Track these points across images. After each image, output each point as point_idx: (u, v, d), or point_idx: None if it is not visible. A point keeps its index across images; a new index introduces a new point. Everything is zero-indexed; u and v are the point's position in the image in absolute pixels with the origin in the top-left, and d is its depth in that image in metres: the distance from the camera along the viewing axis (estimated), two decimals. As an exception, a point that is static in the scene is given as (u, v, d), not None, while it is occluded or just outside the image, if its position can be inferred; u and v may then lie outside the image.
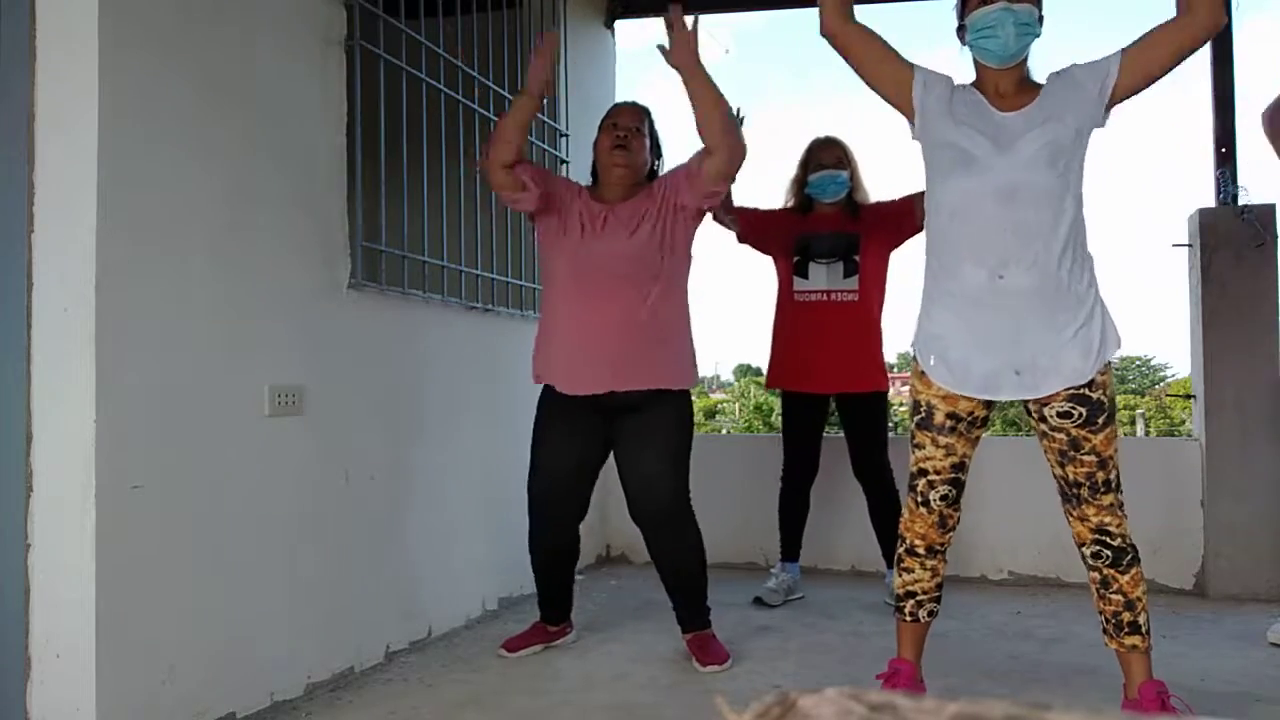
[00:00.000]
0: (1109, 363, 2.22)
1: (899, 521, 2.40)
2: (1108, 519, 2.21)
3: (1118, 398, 2.33)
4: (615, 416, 2.77)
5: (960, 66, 2.34)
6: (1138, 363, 35.39)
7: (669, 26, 2.58)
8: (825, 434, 3.60)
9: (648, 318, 2.70)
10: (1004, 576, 3.90)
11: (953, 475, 2.30)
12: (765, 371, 3.65)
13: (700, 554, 2.84)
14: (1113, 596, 2.23)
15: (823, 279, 3.43)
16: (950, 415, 2.27)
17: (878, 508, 3.45)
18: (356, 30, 2.73)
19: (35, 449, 1.96)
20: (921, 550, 2.34)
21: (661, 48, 2.60)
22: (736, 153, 2.67)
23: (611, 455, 2.85)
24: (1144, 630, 2.24)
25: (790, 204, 3.56)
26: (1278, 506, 3.57)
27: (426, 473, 3.04)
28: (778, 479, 3.61)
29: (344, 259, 2.68)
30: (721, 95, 2.62)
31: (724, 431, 18.77)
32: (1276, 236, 3.59)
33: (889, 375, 3.60)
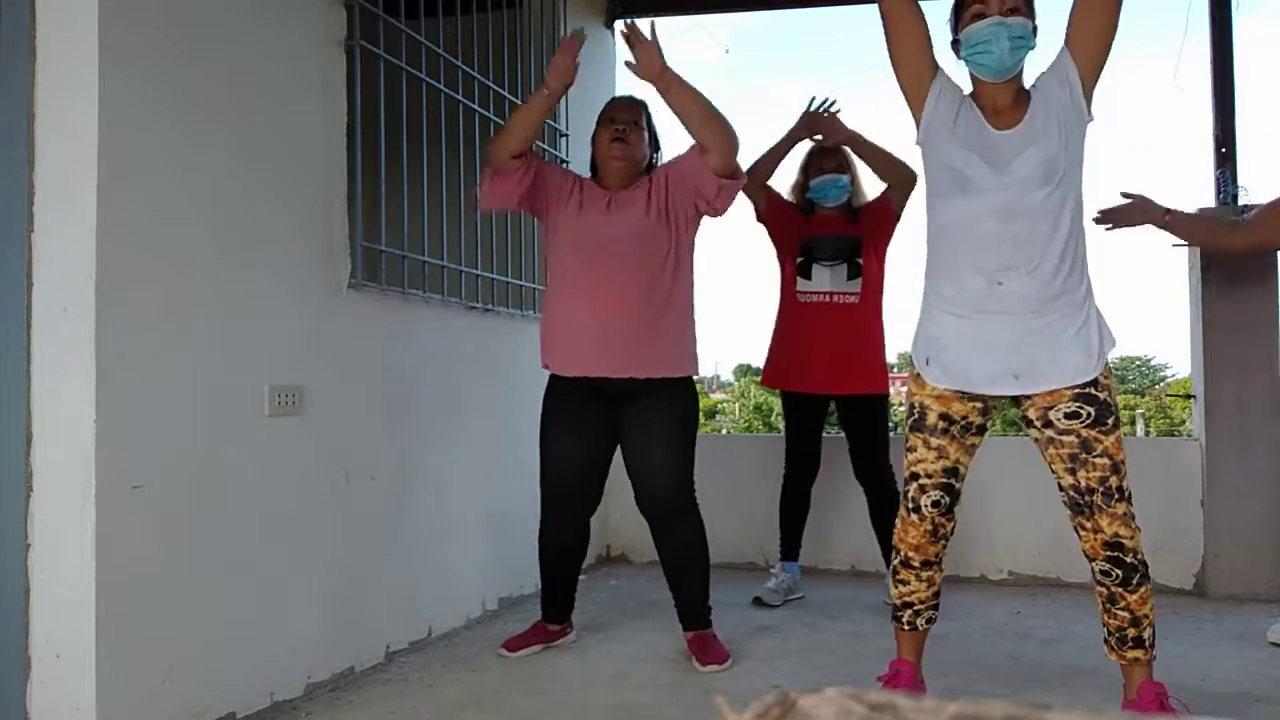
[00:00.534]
0: (1109, 365, 2.22)
1: (894, 531, 2.39)
2: (1122, 530, 2.14)
3: (1118, 398, 2.32)
4: (618, 406, 2.78)
5: (956, 78, 2.34)
6: (1138, 363, 35.40)
7: (629, 42, 2.59)
8: (825, 434, 3.60)
9: (648, 300, 2.72)
10: (1004, 576, 3.90)
11: (945, 481, 2.27)
12: (763, 369, 3.65)
13: (703, 548, 2.85)
14: (1119, 613, 2.20)
15: (826, 281, 3.43)
16: (943, 416, 2.26)
17: (878, 509, 3.45)
18: (356, 30, 2.73)
19: (35, 449, 1.96)
20: (916, 563, 2.32)
21: (628, 63, 2.62)
22: (729, 145, 2.67)
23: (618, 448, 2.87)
24: (1147, 644, 2.21)
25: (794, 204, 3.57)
26: (1278, 506, 3.57)
27: (426, 473, 3.04)
28: (778, 479, 3.61)
29: (344, 259, 2.68)
30: (699, 93, 2.63)
31: (724, 431, 18.78)
32: (1276, 236, 3.59)
33: (890, 377, 3.60)
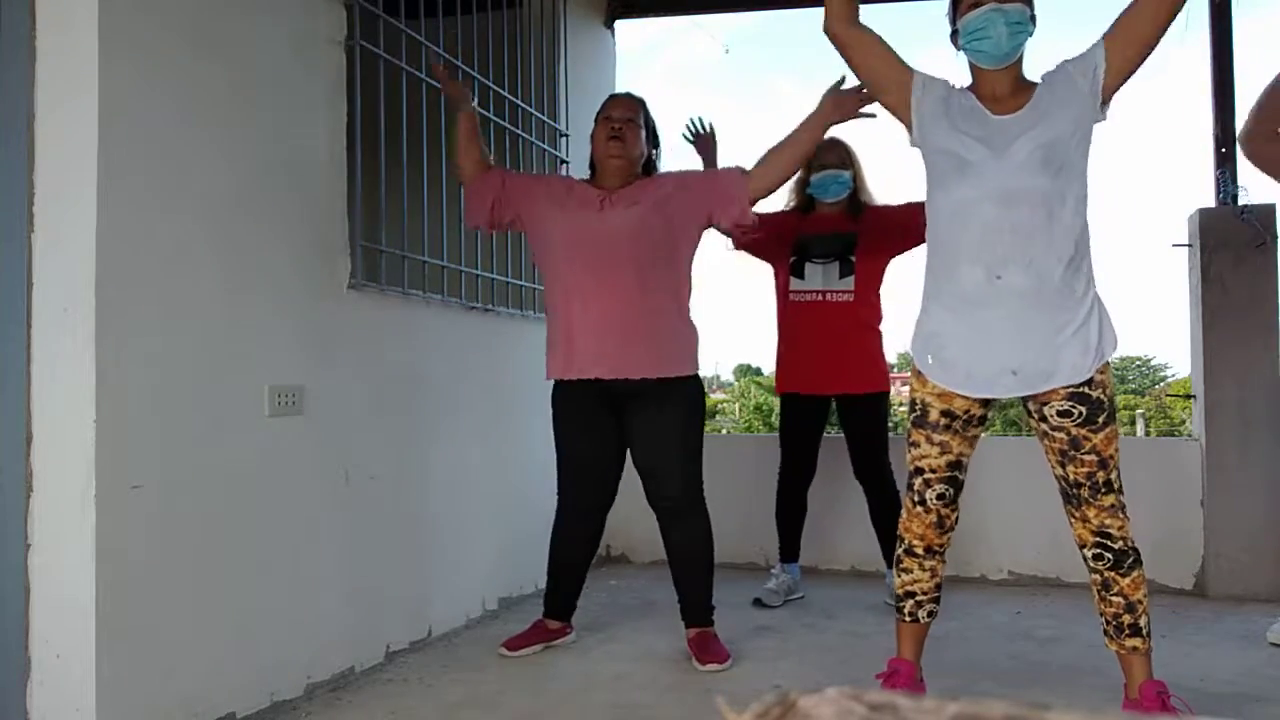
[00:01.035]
0: (1108, 362, 2.22)
1: (899, 522, 2.40)
2: (1109, 520, 2.20)
3: (1118, 398, 2.33)
4: (625, 407, 2.79)
5: (956, 71, 2.35)
6: (1138, 363, 35.40)
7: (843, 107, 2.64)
8: (825, 434, 3.60)
9: (646, 299, 2.73)
10: (1004, 576, 3.90)
11: (949, 474, 2.30)
12: (775, 376, 3.63)
13: (709, 545, 2.88)
14: (1113, 599, 2.23)
15: (818, 279, 3.42)
16: (945, 413, 2.27)
17: (878, 508, 3.44)
18: (356, 30, 2.73)
19: (35, 449, 1.96)
20: (920, 551, 2.34)
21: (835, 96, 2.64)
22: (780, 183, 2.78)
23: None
24: (1144, 632, 2.23)
25: (792, 203, 3.55)
26: (1278, 506, 3.57)
27: (426, 473, 3.04)
28: (776, 479, 3.61)
29: (344, 259, 2.68)
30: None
31: (724, 431, 18.77)
32: (1276, 237, 3.59)
33: (889, 375, 3.59)
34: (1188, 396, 4.08)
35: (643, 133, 2.86)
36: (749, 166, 2.77)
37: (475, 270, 3.42)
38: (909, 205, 3.27)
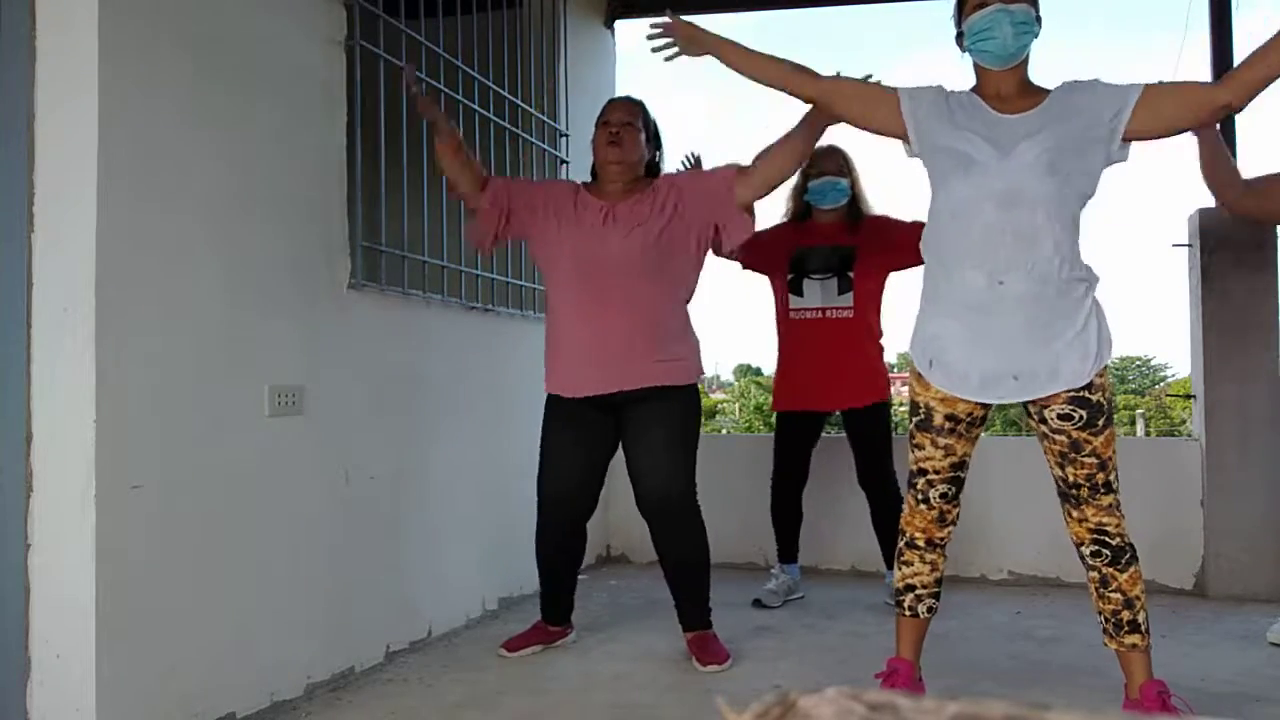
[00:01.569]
0: (1106, 365, 2.23)
1: (901, 517, 2.41)
2: (1106, 519, 2.22)
3: (1118, 398, 2.34)
4: (621, 412, 2.78)
5: (957, 72, 2.35)
6: (1138, 363, 35.42)
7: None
8: (825, 434, 3.60)
9: (649, 314, 2.72)
10: (1004, 576, 3.90)
11: (952, 474, 2.32)
12: (773, 394, 3.62)
13: (704, 550, 2.85)
14: (1111, 595, 2.24)
15: (817, 296, 3.39)
16: (949, 417, 2.28)
17: (880, 512, 3.43)
18: (356, 30, 2.73)
19: (35, 449, 1.96)
20: (921, 543, 2.36)
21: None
22: (783, 178, 2.75)
23: (619, 450, 2.87)
24: (1143, 629, 2.24)
25: (788, 212, 3.53)
26: (1278, 506, 3.57)
27: (426, 473, 3.04)
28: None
29: (344, 259, 2.68)
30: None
31: (724, 431, 18.78)
32: (1276, 237, 3.59)
33: (890, 383, 3.58)
34: (1188, 396, 4.08)
35: (642, 135, 2.85)
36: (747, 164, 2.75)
37: (475, 270, 3.42)
38: (914, 223, 3.09)
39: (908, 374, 2.41)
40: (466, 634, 3.13)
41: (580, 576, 3.08)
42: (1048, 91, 2.24)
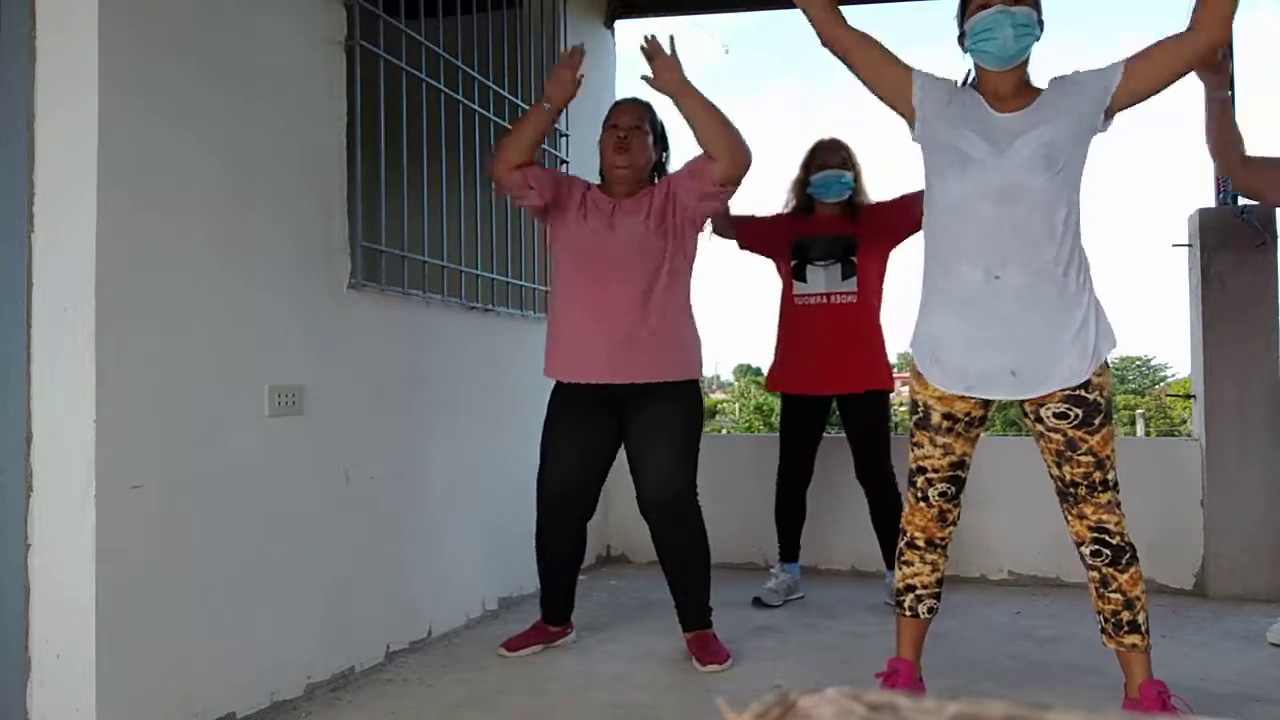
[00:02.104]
0: (1105, 363, 2.23)
1: (901, 517, 2.41)
2: (1106, 517, 2.22)
3: (1118, 398, 2.33)
4: (623, 409, 2.79)
5: (959, 72, 2.35)
6: (1138, 363, 35.40)
7: (647, 55, 2.63)
8: (825, 433, 3.60)
9: (651, 308, 2.74)
10: (1004, 576, 3.90)
11: (951, 473, 2.32)
12: (767, 375, 3.64)
13: (704, 549, 2.86)
14: (1112, 595, 2.24)
15: (821, 282, 3.42)
16: (947, 416, 2.28)
17: (879, 510, 3.44)
18: (356, 30, 2.73)
19: (35, 449, 1.96)
20: (921, 543, 2.36)
21: (645, 77, 2.65)
22: (740, 160, 2.68)
23: (620, 449, 2.88)
24: (1143, 629, 2.24)
25: (791, 205, 3.55)
26: (1278, 506, 3.57)
27: (426, 473, 3.04)
28: (776, 481, 3.61)
29: (344, 259, 2.68)
30: (714, 106, 2.66)
31: (724, 431, 18.77)
32: (1276, 237, 3.59)
33: (893, 374, 3.59)
34: (1188, 396, 4.08)
35: (650, 138, 2.87)
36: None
37: (475, 270, 3.42)
38: (901, 197, 3.35)
39: (908, 373, 2.41)
40: (466, 634, 3.13)
41: (580, 576, 3.08)
42: (1041, 90, 2.26)
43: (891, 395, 3.68)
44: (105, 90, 1.95)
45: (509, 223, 3.72)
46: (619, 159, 2.81)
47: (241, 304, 2.30)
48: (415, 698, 2.51)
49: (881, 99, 2.35)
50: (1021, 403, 2.26)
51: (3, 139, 1.96)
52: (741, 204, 3.48)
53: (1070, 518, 2.27)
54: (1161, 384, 32.95)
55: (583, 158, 3.72)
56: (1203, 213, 3.69)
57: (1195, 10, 2.11)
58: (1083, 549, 2.26)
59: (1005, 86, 2.25)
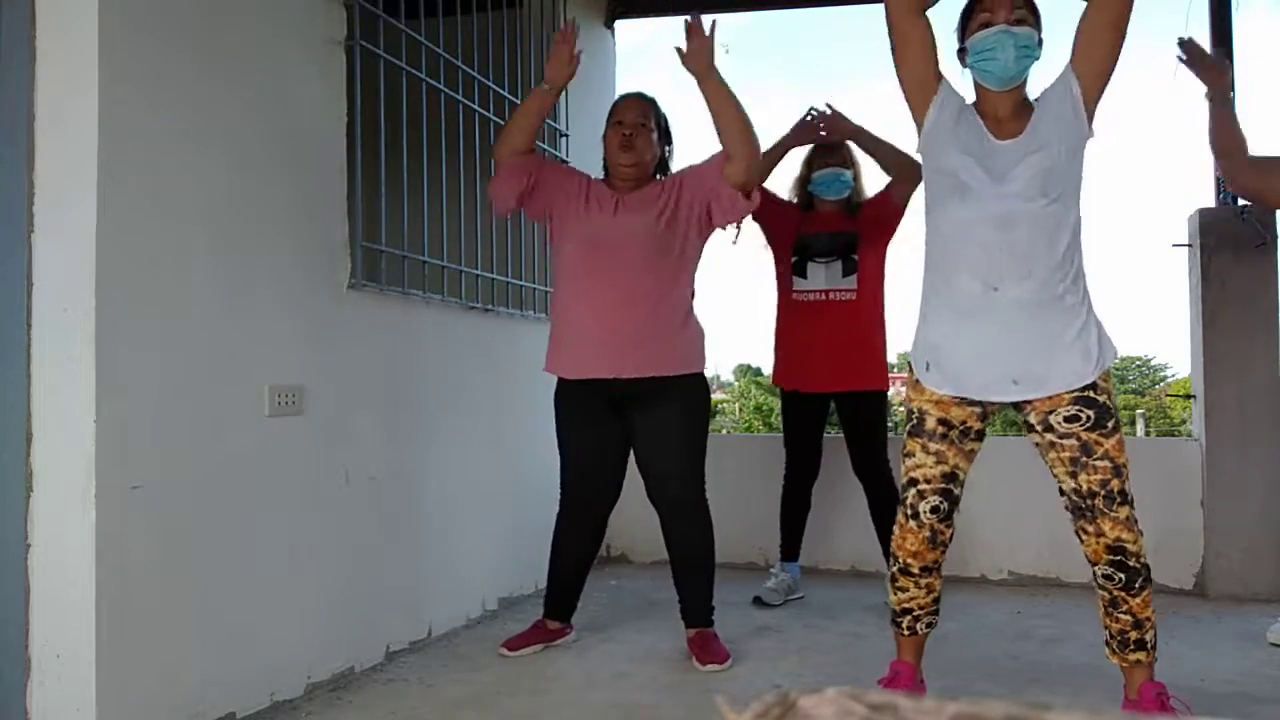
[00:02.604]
0: (1108, 371, 2.22)
1: (892, 538, 2.39)
2: (1125, 535, 2.15)
3: (1118, 398, 2.32)
4: (628, 406, 2.80)
5: (960, 87, 2.34)
6: (1138, 363, 35.38)
7: (688, 32, 2.63)
8: (826, 434, 3.60)
9: (653, 301, 2.74)
10: (1004, 576, 3.90)
11: (943, 486, 2.26)
12: (772, 370, 3.64)
13: (710, 545, 2.88)
14: (1121, 616, 2.21)
15: (821, 278, 3.44)
16: (942, 421, 2.26)
17: (877, 505, 3.45)
18: (356, 30, 2.73)
19: (35, 449, 1.96)
20: (915, 570, 2.31)
21: (679, 50, 2.64)
22: (754, 156, 2.70)
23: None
24: (1150, 646, 2.21)
25: (793, 201, 3.57)
26: (1278, 506, 3.57)
27: (426, 473, 3.04)
28: (778, 479, 3.61)
29: (344, 259, 2.68)
30: (735, 98, 2.66)
31: (724, 431, 18.76)
32: (1277, 236, 3.59)
33: (890, 375, 3.59)
34: (1188, 396, 4.08)
35: (654, 134, 2.87)
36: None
37: (475, 270, 3.42)
38: (886, 188, 3.42)
39: (905, 377, 2.41)
40: (466, 634, 3.13)
41: (581, 576, 3.08)
42: (1034, 108, 2.24)
43: (890, 394, 3.68)
44: (105, 90, 1.95)
45: (509, 223, 3.72)
46: (625, 157, 2.81)
47: (241, 304, 2.30)
48: (415, 698, 2.51)
49: (901, 87, 2.30)
50: (1027, 418, 2.24)
51: (3, 139, 1.96)
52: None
53: (1085, 535, 2.18)
54: (1161, 384, 32.95)
55: (583, 158, 3.72)
56: (1203, 213, 3.69)
57: None
58: (1096, 569, 2.20)
59: (1004, 108, 2.24)
